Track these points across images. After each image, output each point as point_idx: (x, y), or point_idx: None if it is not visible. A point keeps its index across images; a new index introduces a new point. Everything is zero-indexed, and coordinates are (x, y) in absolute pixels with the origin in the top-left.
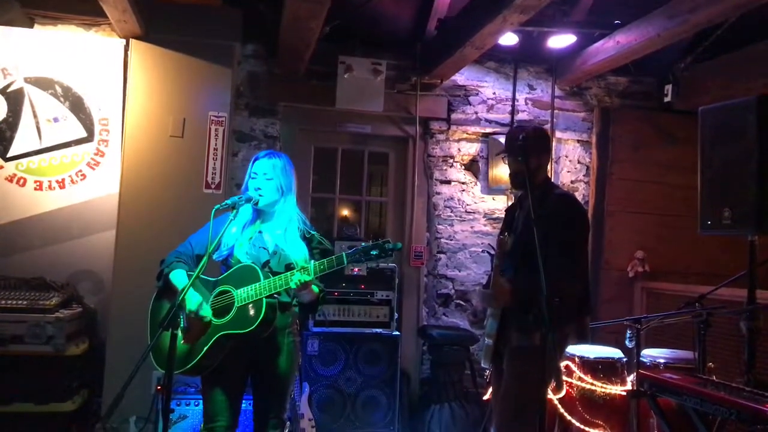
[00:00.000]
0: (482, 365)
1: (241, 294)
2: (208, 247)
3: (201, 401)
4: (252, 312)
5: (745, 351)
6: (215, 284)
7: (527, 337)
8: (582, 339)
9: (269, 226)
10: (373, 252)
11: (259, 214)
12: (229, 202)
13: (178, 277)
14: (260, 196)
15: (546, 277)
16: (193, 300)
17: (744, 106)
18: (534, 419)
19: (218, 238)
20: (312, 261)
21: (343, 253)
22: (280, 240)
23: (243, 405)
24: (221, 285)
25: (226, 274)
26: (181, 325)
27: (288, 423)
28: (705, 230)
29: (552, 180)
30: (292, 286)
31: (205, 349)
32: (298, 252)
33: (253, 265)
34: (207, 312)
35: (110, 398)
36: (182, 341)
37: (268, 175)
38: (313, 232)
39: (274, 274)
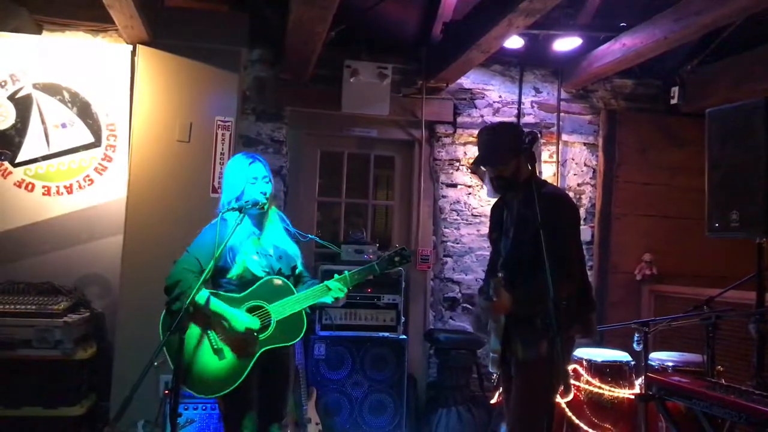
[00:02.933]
0: (490, 369)
1: (277, 307)
2: (214, 252)
3: (208, 405)
4: (294, 324)
5: (754, 354)
6: (241, 301)
7: (533, 348)
8: (589, 335)
9: (264, 230)
10: (396, 258)
11: (256, 220)
12: (235, 205)
13: (212, 301)
14: (266, 199)
15: (544, 279)
16: (240, 319)
17: (752, 107)
18: (545, 426)
19: (224, 244)
20: (346, 272)
21: (374, 263)
22: (278, 242)
23: None
24: (249, 301)
25: (250, 289)
26: (214, 346)
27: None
28: (713, 233)
29: (555, 181)
30: (329, 301)
31: (250, 366)
32: (293, 251)
33: (280, 278)
34: (256, 323)
35: (118, 402)
36: (218, 362)
37: (267, 178)
38: (309, 236)
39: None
